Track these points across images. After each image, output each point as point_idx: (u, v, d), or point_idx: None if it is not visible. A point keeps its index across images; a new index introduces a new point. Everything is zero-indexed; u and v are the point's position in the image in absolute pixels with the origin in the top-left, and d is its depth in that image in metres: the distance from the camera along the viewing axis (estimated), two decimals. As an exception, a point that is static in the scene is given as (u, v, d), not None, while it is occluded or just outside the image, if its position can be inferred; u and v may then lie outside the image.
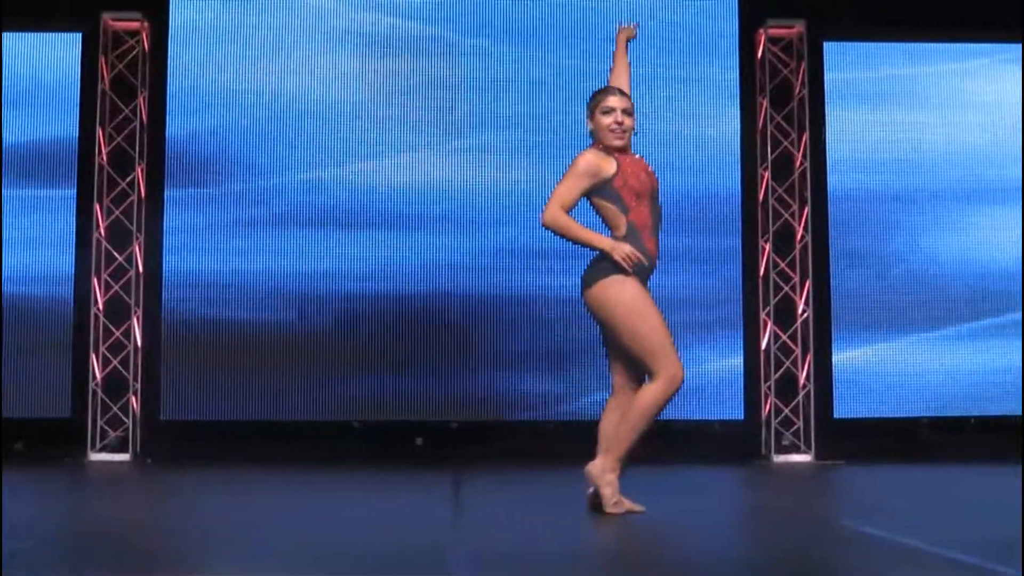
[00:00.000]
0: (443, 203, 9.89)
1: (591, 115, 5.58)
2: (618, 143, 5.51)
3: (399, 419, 9.87)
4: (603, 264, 5.40)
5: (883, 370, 10.11)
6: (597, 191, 5.46)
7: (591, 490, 5.54)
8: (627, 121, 5.54)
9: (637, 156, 5.61)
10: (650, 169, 5.57)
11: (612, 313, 5.39)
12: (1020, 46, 10.39)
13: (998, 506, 6.21)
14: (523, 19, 10.06)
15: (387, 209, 9.88)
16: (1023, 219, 10.18)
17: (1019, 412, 10.03)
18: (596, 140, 5.57)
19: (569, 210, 5.44)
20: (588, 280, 5.44)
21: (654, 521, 5.24)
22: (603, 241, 5.40)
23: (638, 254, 5.35)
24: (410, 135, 9.94)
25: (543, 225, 5.46)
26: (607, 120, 5.51)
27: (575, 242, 5.46)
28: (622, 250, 5.35)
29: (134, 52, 9.93)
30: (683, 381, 5.40)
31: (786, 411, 9.97)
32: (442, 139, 9.94)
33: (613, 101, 5.54)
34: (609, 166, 5.45)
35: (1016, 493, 6.07)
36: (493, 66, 10.01)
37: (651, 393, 5.36)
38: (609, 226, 5.49)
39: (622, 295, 5.36)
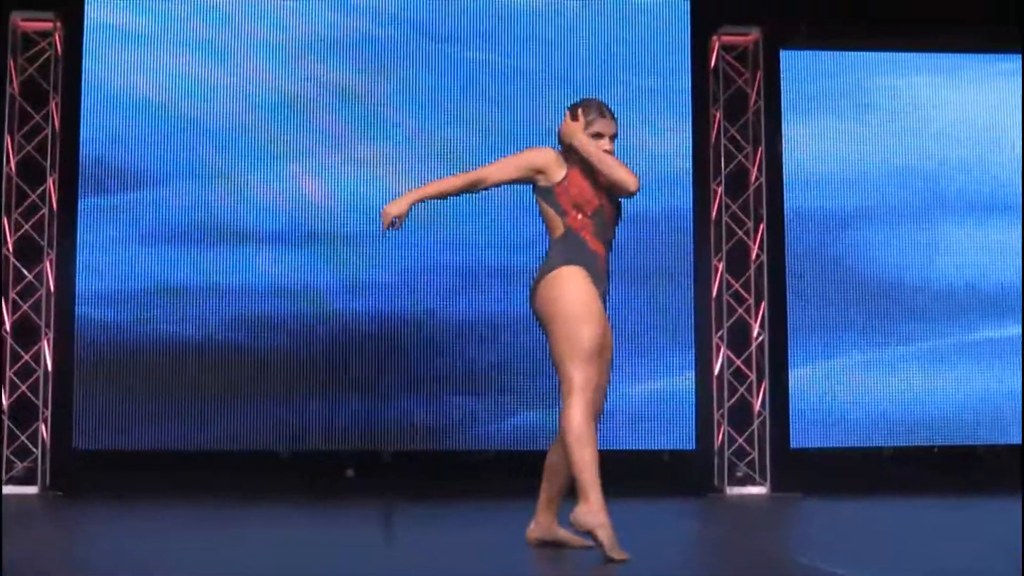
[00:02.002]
0: (372, 217, 9.85)
1: (585, 124, 5.45)
2: None
3: (328, 449, 9.81)
4: (552, 259, 5.35)
5: (842, 397, 10.16)
6: (541, 194, 5.43)
7: (532, 530, 5.56)
8: (612, 149, 5.48)
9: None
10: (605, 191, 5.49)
11: (553, 307, 5.26)
12: (982, 57, 10.53)
13: (956, 538, 6.26)
14: (464, 22, 10.07)
15: (314, 222, 9.83)
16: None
17: (979, 442, 10.16)
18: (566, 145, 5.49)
19: (487, 185, 5.45)
20: (537, 277, 5.35)
21: (598, 559, 5.22)
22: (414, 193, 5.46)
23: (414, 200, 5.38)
24: (334, 145, 9.90)
25: None
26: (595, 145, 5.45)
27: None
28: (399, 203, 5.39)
29: (46, 55, 9.85)
30: (595, 386, 5.22)
31: (740, 440, 9.99)
32: (369, 150, 9.91)
33: (604, 126, 5.46)
34: (558, 172, 5.42)
35: (975, 525, 6.13)
36: (428, 73, 10.02)
37: (570, 416, 5.15)
38: (549, 229, 5.45)
39: (575, 285, 5.25)
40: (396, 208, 5.39)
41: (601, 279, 5.38)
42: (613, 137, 5.49)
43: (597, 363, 5.26)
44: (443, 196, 5.52)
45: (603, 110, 5.51)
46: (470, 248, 9.83)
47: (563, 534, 5.58)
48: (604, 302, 5.42)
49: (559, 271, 5.30)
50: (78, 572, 5.09)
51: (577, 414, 5.16)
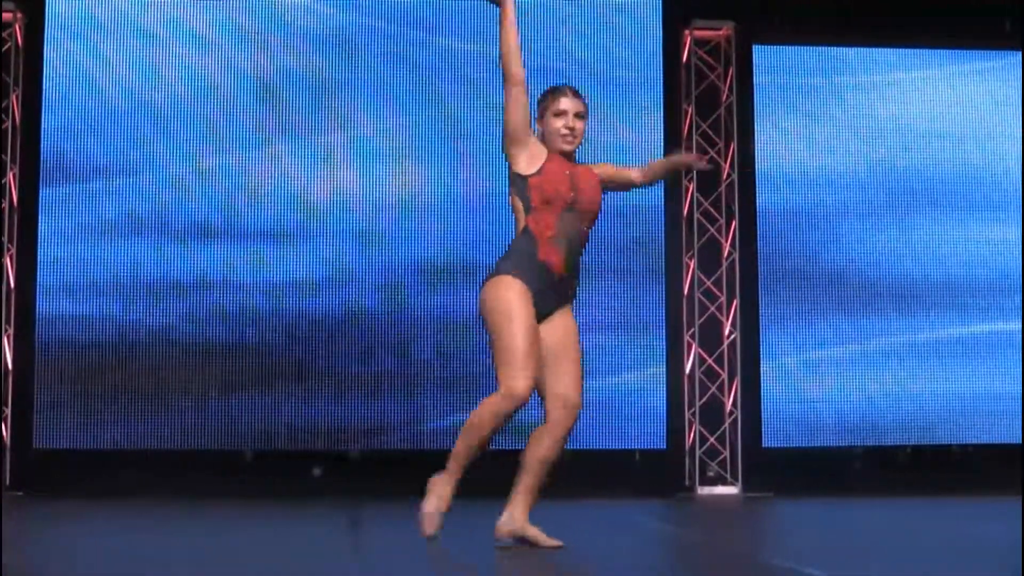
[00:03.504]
0: (341, 212, 9.87)
1: (540, 117, 5.59)
2: (567, 147, 5.54)
3: (295, 448, 9.80)
4: (499, 264, 5.42)
5: (815, 396, 10.21)
6: (516, 183, 5.47)
7: (501, 524, 5.59)
8: (578, 125, 5.57)
9: (579, 168, 5.58)
10: (583, 185, 5.53)
11: (488, 310, 5.36)
12: (957, 54, 10.60)
13: (929, 539, 6.31)
14: (435, 11, 10.07)
15: (282, 216, 9.82)
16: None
17: (953, 441, 10.22)
18: (544, 143, 5.57)
19: (506, 66, 5.49)
20: (485, 278, 5.47)
21: (567, 559, 5.25)
22: None
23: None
24: (301, 137, 9.89)
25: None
26: (558, 123, 5.54)
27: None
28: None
29: (6, 46, 9.81)
30: (524, 400, 5.31)
31: (711, 440, 10.03)
32: (338, 141, 9.91)
33: (566, 103, 5.56)
34: (536, 159, 5.48)
35: (948, 525, 6.16)
36: (397, 63, 10.02)
37: (486, 404, 5.32)
38: (516, 221, 5.51)
39: (505, 293, 5.33)
40: None
41: (547, 290, 5.42)
42: (579, 115, 5.57)
43: (537, 366, 5.32)
44: (506, 24, 5.58)
45: (563, 90, 5.62)
46: (440, 244, 9.83)
47: (532, 532, 5.58)
48: (555, 308, 5.47)
49: (495, 280, 5.39)
50: (38, 573, 5.08)
51: (491, 409, 5.30)
